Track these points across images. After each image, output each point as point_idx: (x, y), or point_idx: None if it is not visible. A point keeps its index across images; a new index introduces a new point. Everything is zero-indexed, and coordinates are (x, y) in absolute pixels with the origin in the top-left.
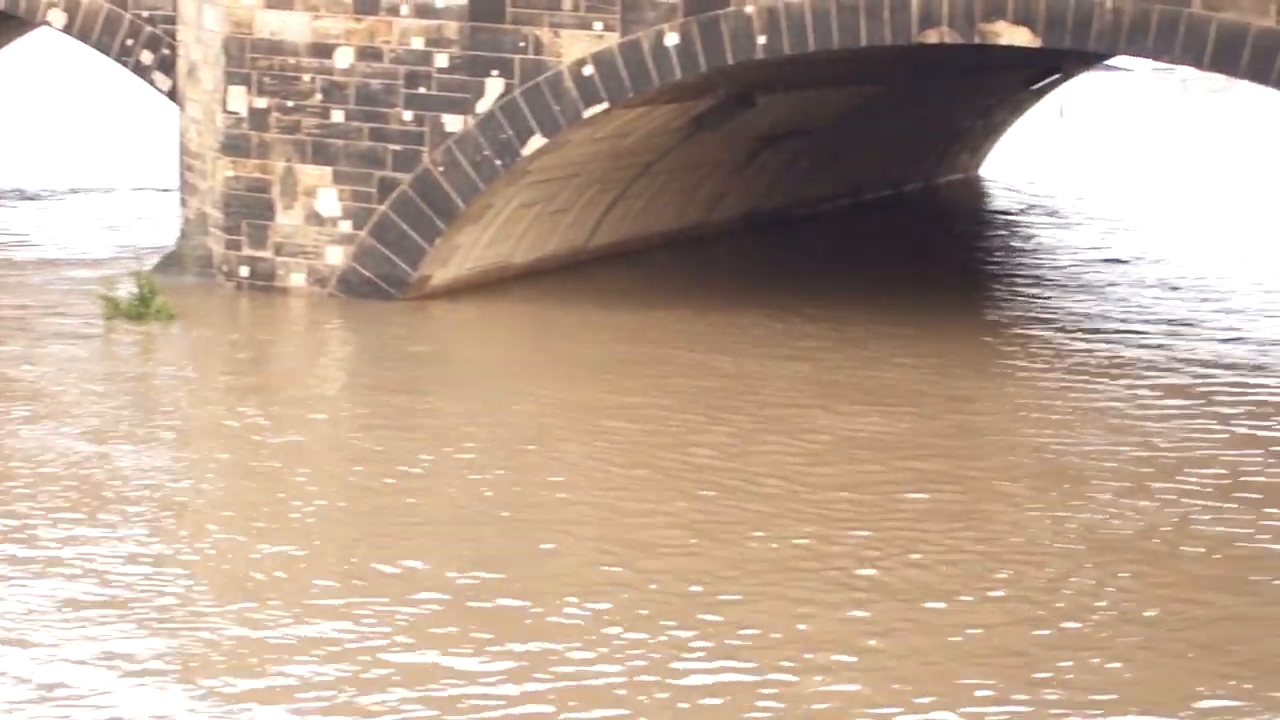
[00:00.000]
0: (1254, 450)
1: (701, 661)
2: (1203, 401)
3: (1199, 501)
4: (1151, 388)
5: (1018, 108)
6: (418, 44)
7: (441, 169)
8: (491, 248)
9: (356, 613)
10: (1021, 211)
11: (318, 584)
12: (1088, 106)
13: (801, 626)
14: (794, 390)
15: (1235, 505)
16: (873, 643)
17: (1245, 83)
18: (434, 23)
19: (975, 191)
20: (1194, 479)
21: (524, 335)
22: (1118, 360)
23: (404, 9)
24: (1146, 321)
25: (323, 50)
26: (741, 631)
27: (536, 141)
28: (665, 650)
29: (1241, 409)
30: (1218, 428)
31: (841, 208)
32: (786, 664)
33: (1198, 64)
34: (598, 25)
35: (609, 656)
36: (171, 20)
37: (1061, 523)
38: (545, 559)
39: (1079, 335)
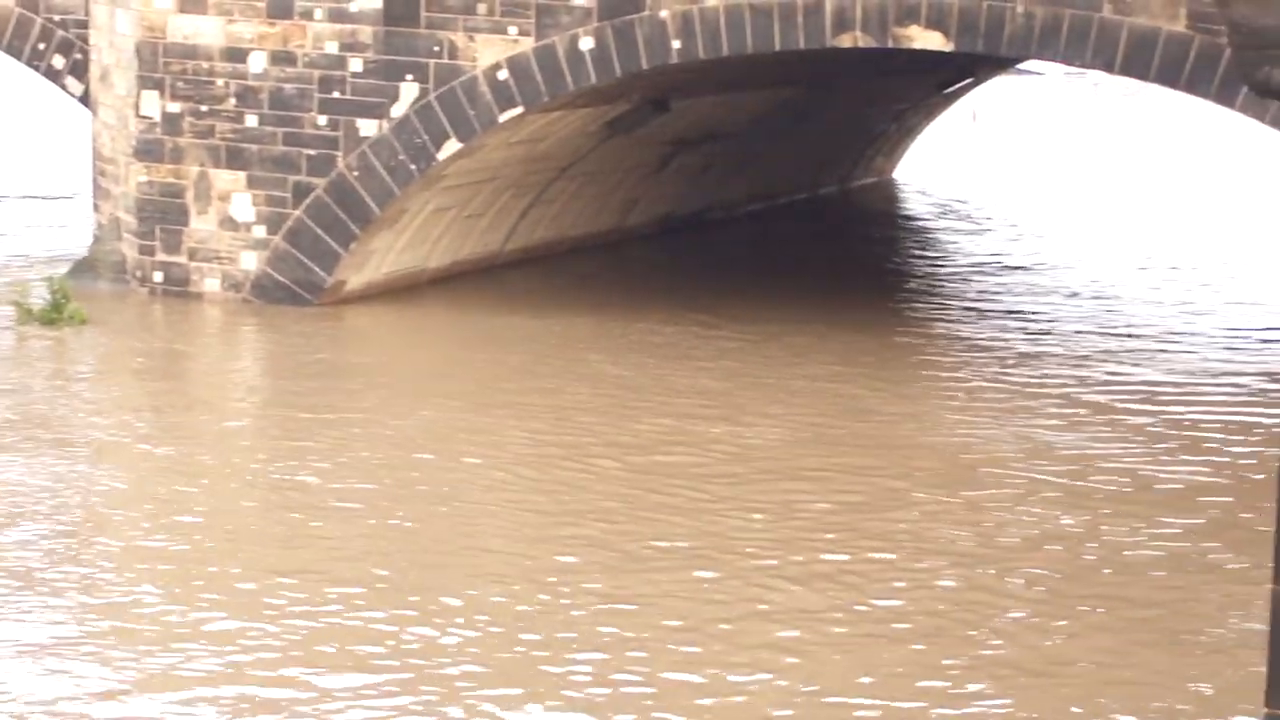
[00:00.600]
0: (1153, 453)
1: (604, 670)
2: (1103, 405)
3: (1101, 505)
4: (1054, 393)
5: (931, 111)
6: (332, 48)
7: (356, 174)
8: (406, 253)
9: (244, 623)
10: (934, 215)
11: (209, 596)
12: (1000, 110)
13: (701, 639)
14: (701, 397)
15: (1136, 507)
16: (779, 649)
17: (1156, 86)
18: (348, 27)
19: (889, 195)
20: (1096, 483)
21: (436, 342)
22: (1022, 366)
23: (318, 13)
24: (1051, 326)
25: (236, 55)
26: (640, 639)
27: (451, 146)
28: (564, 660)
29: (1140, 413)
30: (1116, 432)
31: (757, 211)
32: (688, 672)
33: (1109, 68)
34: (512, 30)
35: (505, 666)
36: (84, 24)
37: (966, 526)
38: (445, 569)
39: (985, 341)
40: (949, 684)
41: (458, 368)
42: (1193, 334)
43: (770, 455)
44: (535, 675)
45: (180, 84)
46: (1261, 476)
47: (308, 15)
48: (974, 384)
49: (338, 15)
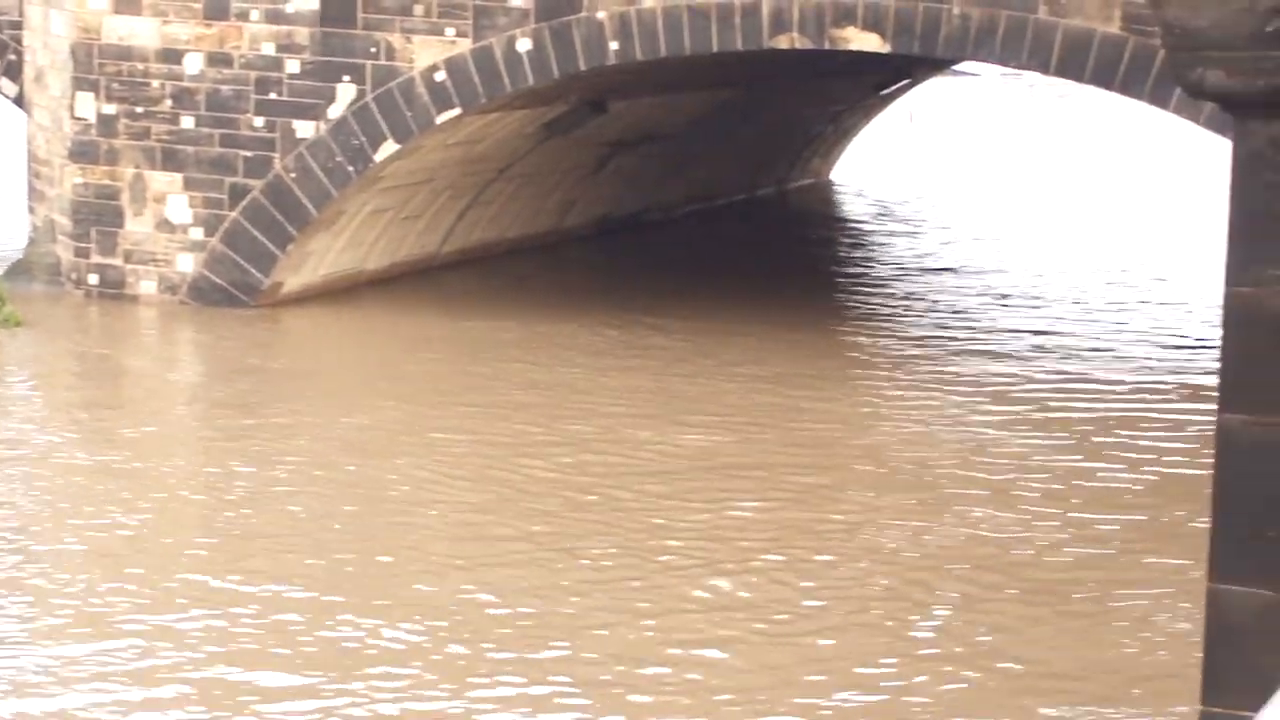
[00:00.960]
0: (1083, 453)
1: (536, 670)
2: (1034, 406)
3: (1033, 505)
4: (985, 394)
5: (868, 113)
6: (268, 50)
7: (293, 175)
8: (344, 254)
9: (176, 629)
10: (870, 217)
11: (139, 600)
12: (937, 111)
13: (633, 638)
14: (635, 398)
15: (1067, 506)
16: (710, 646)
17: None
18: (284, 28)
19: (826, 196)
20: (1027, 482)
21: (372, 344)
22: (954, 367)
23: (254, 14)
24: (983, 327)
25: (172, 56)
26: (572, 639)
27: (389, 147)
28: (496, 659)
29: (1070, 413)
30: (1047, 432)
31: (694, 213)
32: (621, 678)
33: (1044, 69)
34: (450, 31)
35: (438, 665)
36: (18, 25)
37: (898, 526)
38: (375, 574)
39: (918, 342)
40: (881, 682)
41: (393, 370)
42: (1123, 335)
43: (703, 456)
44: (467, 674)
45: (115, 85)
46: (1192, 474)
47: (244, 16)
48: (907, 385)
49: (274, 16)
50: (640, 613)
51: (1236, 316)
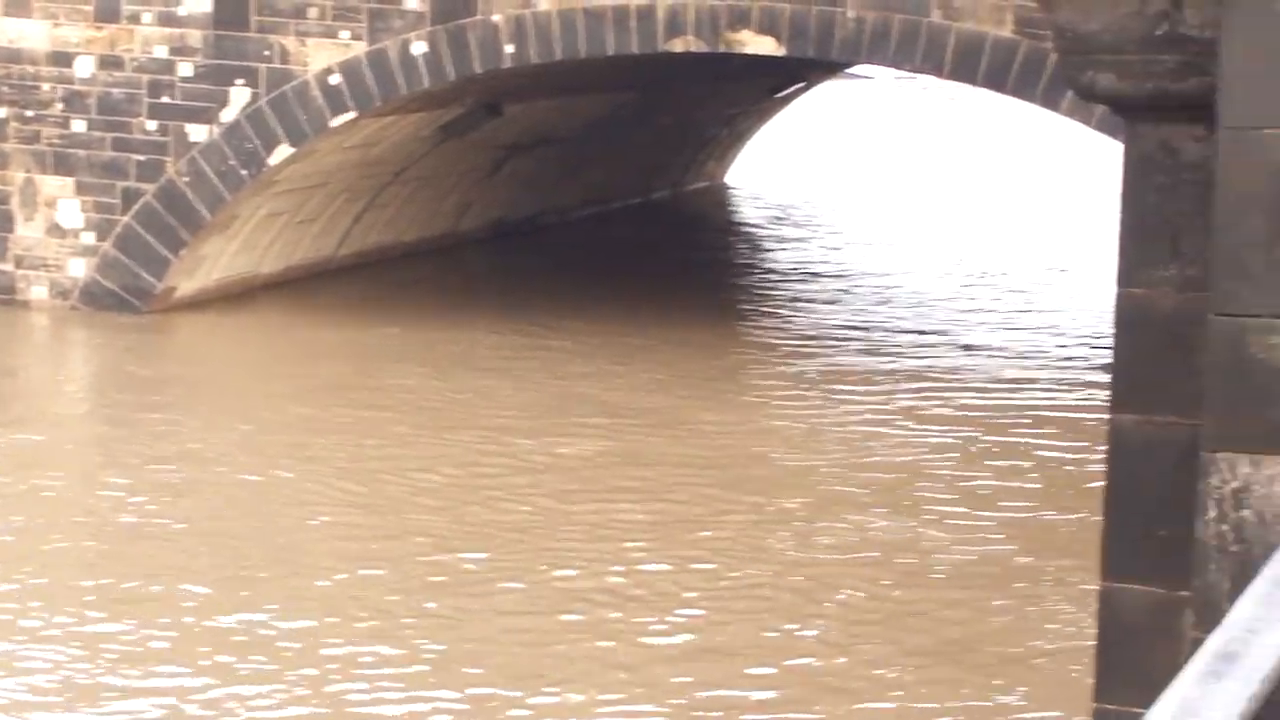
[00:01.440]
0: (971, 457)
1: (416, 685)
2: (922, 411)
3: (920, 510)
4: (874, 399)
5: (763, 115)
6: (161, 52)
7: (186, 179)
8: (238, 258)
9: (63, 639)
10: (764, 221)
11: (15, 606)
12: (831, 114)
13: (517, 649)
14: (524, 408)
15: (954, 511)
16: (595, 660)
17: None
18: (177, 31)
19: (721, 200)
20: (915, 488)
21: (264, 352)
22: (844, 372)
23: (146, 17)
24: (874, 333)
25: (63, 59)
26: (453, 653)
27: (283, 151)
28: (375, 676)
29: (958, 417)
30: (934, 437)
31: (590, 216)
32: (503, 686)
33: (938, 73)
34: (344, 34)
35: (315, 681)
36: None
37: (785, 534)
38: (259, 585)
39: (808, 348)
40: (765, 693)
41: (283, 377)
42: (1015, 336)
43: (590, 466)
44: (345, 691)
45: (5, 89)
46: (1081, 474)
47: (135, 19)
48: (797, 387)
49: (166, 19)
50: (524, 626)
51: (1128, 317)
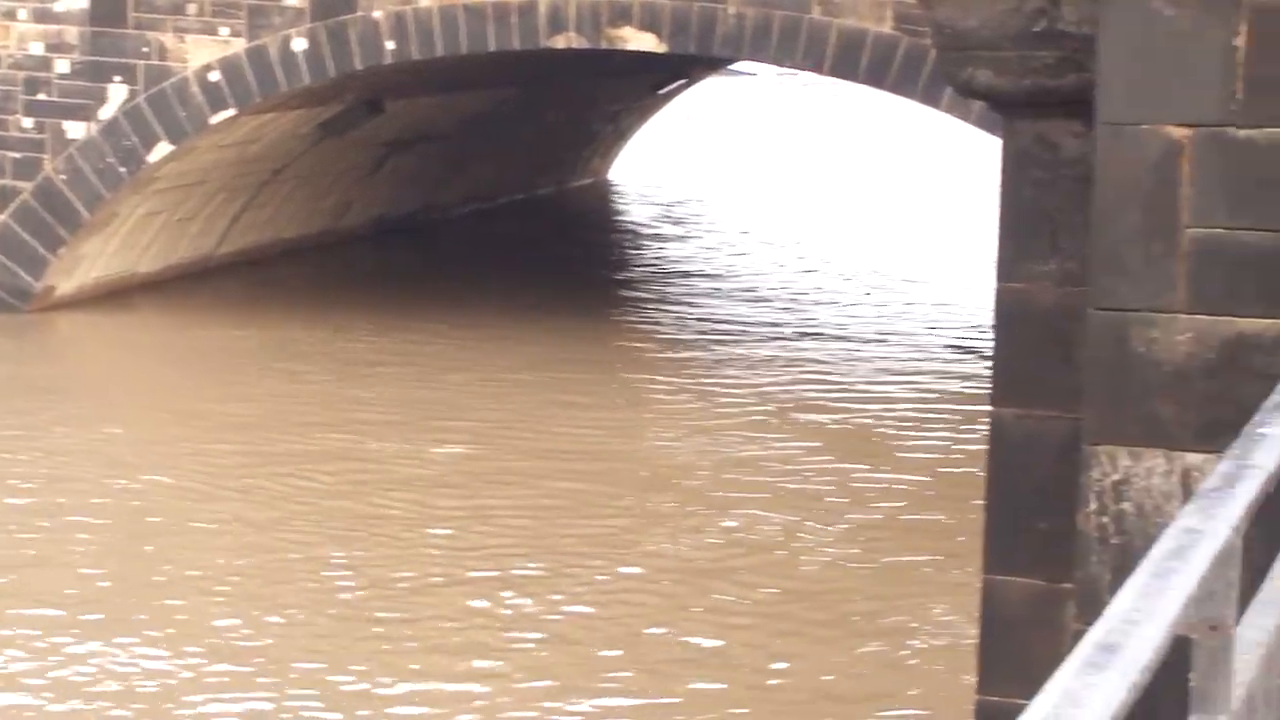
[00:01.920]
0: (845, 455)
1: (279, 685)
2: (799, 409)
3: (796, 508)
4: (751, 397)
5: (646, 112)
6: (37, 49)
7: (64, 177)
8: (117, 257)
9: None
10: (646, 217)
11: None
12: (713, 110)
13: (387, 654)
14: (400, 405)
15: (829, 507)
16: (469, 657)
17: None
18: (54, 28)
19: (604, 196)
20: (791, 485)
21: (141, 352)
22: (723, 371)
23: (21, 13)
24: (751, 331)
25: None
26: (320, 651)
27: (163, 148)
28: (244, 678)
29: (834, 415)
30: (811, 435)
31: (473, 213)
32: (373, 683)
33: (819, 69)
34: (224, 30)
35: (187, 685)
36: None
37: (663, 537)
38: (131, 587)
39: (687, 345)
40: (644, 688)
41: (159, 379)
42: (895, 334)
43: (466, 464)
44: (217, 693)
45: None
46: (959, 470)
47: (11, 15)
48: (675, 388)
49: (42, 15)
50: (392, 628)
51: (1007, 312)
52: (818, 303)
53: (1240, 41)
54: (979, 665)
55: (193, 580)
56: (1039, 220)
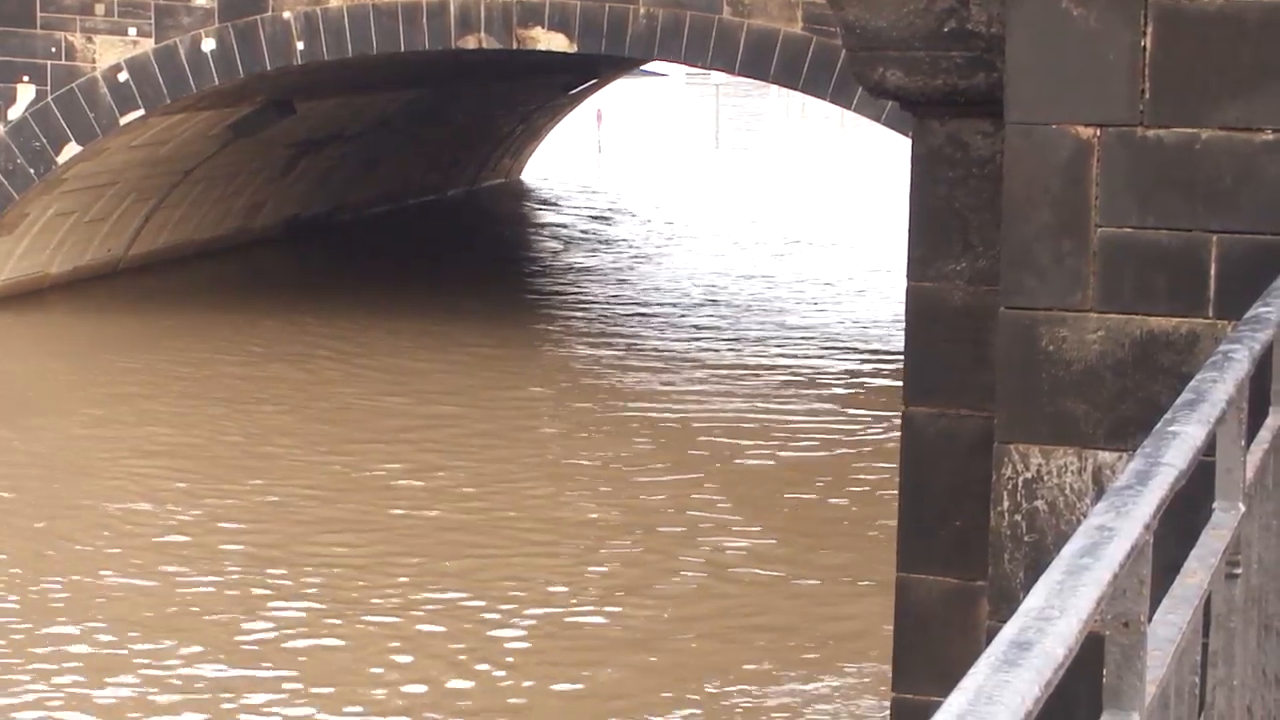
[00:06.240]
0: (758, 447)
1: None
2: (713, 408)
3: (713, 510)
4: (664, 401)
5: (557, 113)
6: None
7: None
8: (27, 258)
9: None
10: (557, 215)
11: None
12: (625, 110)
13: (243, 640)
14: (304, 409)
15: (740, 497)
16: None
17: (775, 87)
18: None
19: (516, 196)
20: (704, 478)
21: (50, 351)
22: (631, 369)
23: None
24: (661, 330)
25: None
26: (207, 647)
27: (72, 149)
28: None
29: (745, 400)
30: (724, 426)
31: (385, 213)
32: (231, 680)
33: (730, 68)
34: (132, 31)
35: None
36: None
37: (573, 519)
38: (19, 581)
39: (595, 344)
40: (541, 674)
41: (69, 378)
42: (798, 328)
43: (364, 463)
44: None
45: None
46: (868, 469)
47: None
48: (586, 382)
49: None
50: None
51: (918, 311)
52: (732, 296)
53: (1147, 42)
54: (894, 663)
55: (79, 575)
56: (950, 219)
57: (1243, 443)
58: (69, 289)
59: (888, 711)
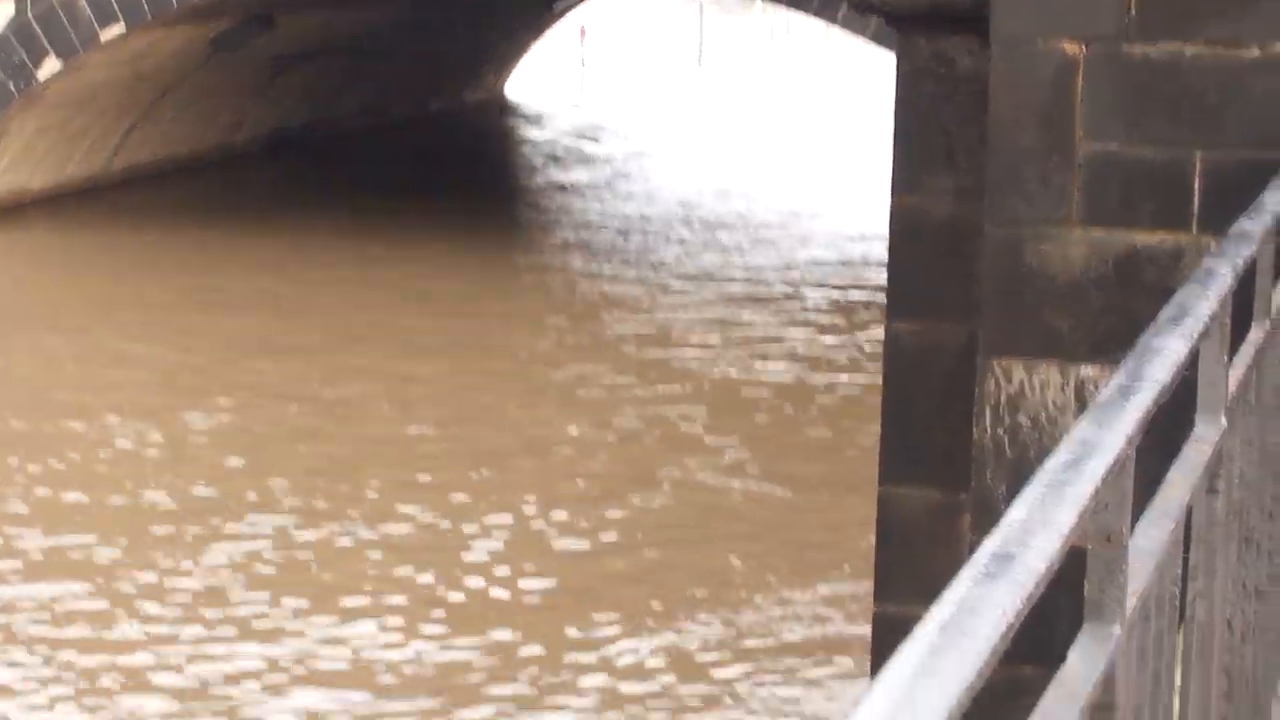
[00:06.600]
0: (748, 373)
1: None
2: (697, 332)
3: (696, 433)
4: (639, 314)
5: (541, 28)
6: None
7: None
8: (8, 174)
9: None
10: (541, 133)
11: None
12: (608, 27)
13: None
14: (284, 331)
15: (712, 435)
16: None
17: (760, 4)
18: None
19: (499, 110)
20: (689, 414)
21: (31, 268)
22: (617, 288)
23: None
24: (641, 244)
25: None
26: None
27: (52, 65)
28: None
29: (721, 325)
30: (703, 338)
31: (366, 127)
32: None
33: None
34: None
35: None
36: None
37: (549, 462)
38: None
39: (568, 255)
40: (512, 583)
41: (52, 293)
42: (780, 245)
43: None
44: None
45: None
46: (849, 385)
47: None
48: (563, 308)
49: None
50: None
51: (902, 226)
52: (712, 219)
53: None
54: (876, 577)
55: (79, 472)
56: (935, 136)
57: (1225, 358)
58: (50, 205)
59: (862, 626)
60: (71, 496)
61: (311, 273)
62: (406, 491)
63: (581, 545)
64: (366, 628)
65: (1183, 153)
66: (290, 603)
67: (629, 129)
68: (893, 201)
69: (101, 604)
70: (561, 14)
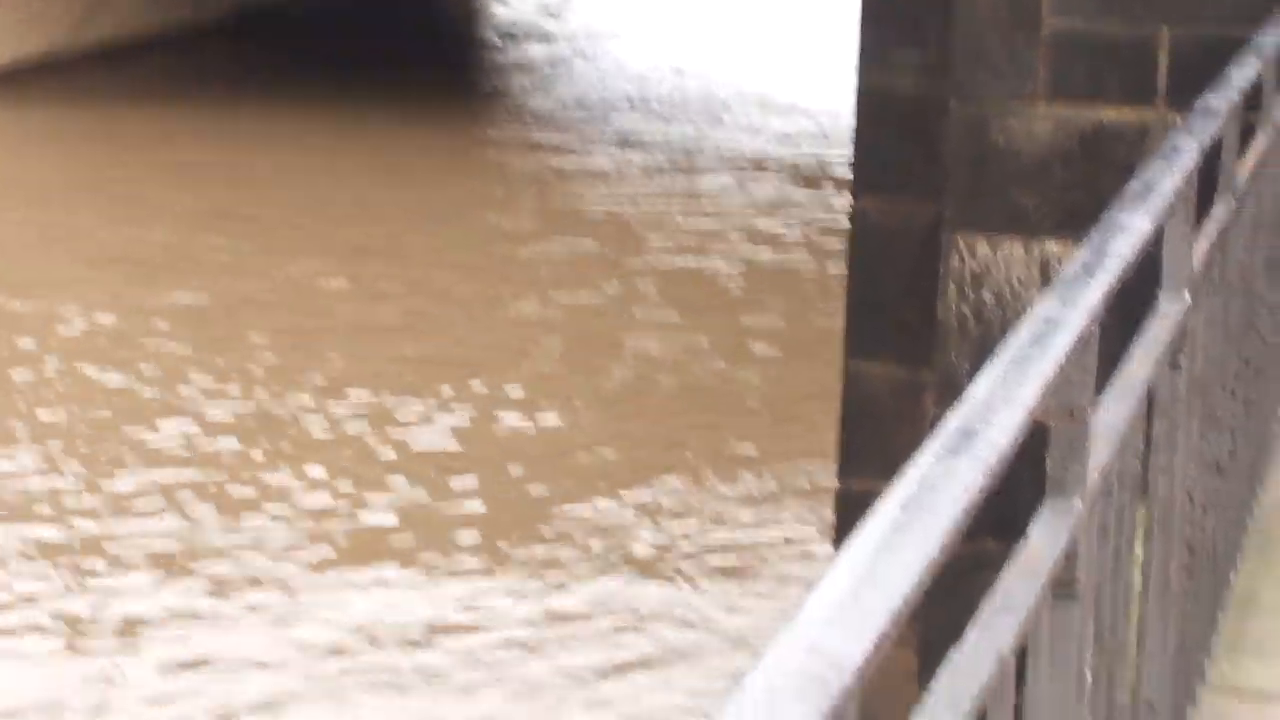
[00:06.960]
0: (705, 259)
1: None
2: (671, 213)
3: (655, 317)
4: (619, 196)
5: None
6: None
7: None
8: None
9: None
10: (503, 7)
11: None
12: None
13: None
14: (228, 208)
15: (674, 301)
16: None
17: None
18: None
19: None
20: (646, 297)
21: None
22: (591, 166)
23: None
24: (617, 131)
25: None
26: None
27: None
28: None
29: (684, 221)
30: (672, 242)
31: (336, 3)
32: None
33: None
34: None
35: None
36: None
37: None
38: None
39: (531, 133)
40: (459, 467)
41: (7, 173)
42: (742, 126)
43: (313, 272)
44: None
45: None
46: (808, 262)
47: None
48: (515, 182)
49: None
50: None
51: (868, 102)
52: (692, 101)
53: None
54: (839, 453)
55: (27, 359)
56: (901, 11)
57: (1190, 234)
58: (7, 81)
59: (823, 505)
60: (20, 376)
61: (270, 154)
62: (363, 365)
63: (547, 419)
64: (322, 498)
65: (1149, 29)
66: (237, 493)
67: (593, 5)
68: (859, 77)
69: (58, 481)
70: None
